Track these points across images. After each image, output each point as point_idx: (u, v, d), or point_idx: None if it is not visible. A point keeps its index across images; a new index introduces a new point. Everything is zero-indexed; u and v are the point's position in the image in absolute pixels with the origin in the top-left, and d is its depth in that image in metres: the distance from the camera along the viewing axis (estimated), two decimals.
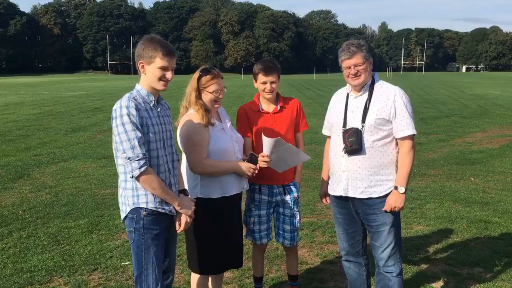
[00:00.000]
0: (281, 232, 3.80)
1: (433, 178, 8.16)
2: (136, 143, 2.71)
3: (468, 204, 6.63)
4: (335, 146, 3.39)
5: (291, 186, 3.76)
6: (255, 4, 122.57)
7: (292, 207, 3.75)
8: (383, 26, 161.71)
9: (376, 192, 3.25)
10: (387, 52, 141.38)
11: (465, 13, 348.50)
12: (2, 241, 5.28)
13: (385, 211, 3.24)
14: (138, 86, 2.94)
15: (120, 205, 2.96)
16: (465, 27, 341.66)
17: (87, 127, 14.77)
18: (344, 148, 3.26)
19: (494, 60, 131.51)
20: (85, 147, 11.25)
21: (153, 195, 2.84)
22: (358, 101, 3.29)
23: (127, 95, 2.86)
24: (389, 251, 3.32)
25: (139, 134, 2.73)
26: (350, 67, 3.21)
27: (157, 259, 2.90)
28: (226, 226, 3.42)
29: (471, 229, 5.58)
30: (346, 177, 3.31)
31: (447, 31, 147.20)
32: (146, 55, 2.85)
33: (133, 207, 2.85)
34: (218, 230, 3.38)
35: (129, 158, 2.71)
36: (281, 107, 3.68)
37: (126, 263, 4.67)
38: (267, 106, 3.71)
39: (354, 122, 3.26)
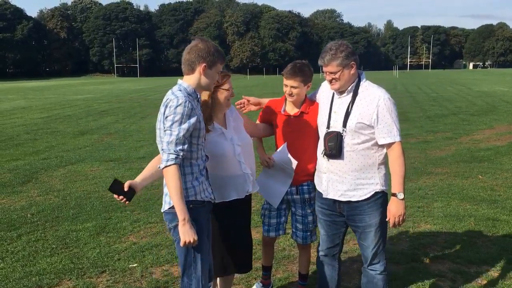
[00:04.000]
0: (294, 230, 3.90)
1: (441, 177, 8.12)
2: (174, 139, 2.77)
3: (476, 202, 6.60)
4: (319, 145, 3.41)
5: (304, 187, 3.76)
6: (260, 4, 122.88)
7: (304, 207, 3.79)
8: (389, 24, 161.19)
9: (356, 196, 3.24)
10: (393, 50, 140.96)
11: (471, 10, 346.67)
12: (11, 244, 5.33)
13: (376, 221, 3.28)
14: (184, 84, 2.98)
15: (164, 196, 2.99)
16: (472, 24, 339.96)
17: (95, 130, 14.83)
18: (323, 151, 3.28)
19: (501, 57, 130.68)
20: (93, 150, 11.31)
21: (197, 186, 2.94)
22: (341, 101, 3.27)
23: (179, 92, 2.88)
24: (376, 250, 3.35)
25: (181, 133, 2.78)
26: (326, 73, 3.23)
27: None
28: (230, 230, 3.44)
29: (479, 227, 5.56)
30: (327, 178, 3.33)
31: (453, 28, 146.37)
32: (211, 59, 2.95)
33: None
34: (222, 233, 3.39)
35: (162, 150, 2.82)
36: (301, 112, 3.65)
37: (134, 265, 4.70)
38: (291, 108, 3.70)
39: (336, 124, 3.25)
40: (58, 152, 11.10)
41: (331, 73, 3.18)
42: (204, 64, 2.93)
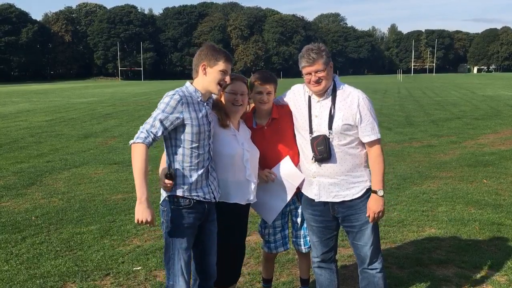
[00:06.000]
0: (294, 239, 3.85)
1: (445, 181, 8.10)
2: (151, 121, 2.93)
3: (481, 206, 6.57)
4: (304, 150, 3.39)
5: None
6: (264, 8, 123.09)
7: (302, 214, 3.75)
8: (393, 28, 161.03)
9: (349, 195, 3.29)
10: (397, 54, 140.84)
11: (475, 14, 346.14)
12: (15, 247, 5.34)
13: (367, 217, 3.30)
14: (187, 83, 3.14)
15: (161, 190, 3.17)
16: (476, 28, 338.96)
17: (99, 133, 14.87)
18: (313, 156, 3.26)
19: (505, 61, 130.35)
20: (97, 153, 11.34)
21: (187, 184, 3.05)
22: (321, 105, 3.28)
23: (177, 89, 3.08)
24: (373, 248, 3.36)
25: (158, 117, 2.92)
26: (310, 74, 3.19)
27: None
28: (232, 229, 3.43)
29: (483, 232, 5.53)
30: (317, 182, 3.33)
31: (457, 32, 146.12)
32: (209, 58, 3.06)
33: None
34: (223, 232, 3.36)
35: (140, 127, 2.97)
36: (273, 119, 3.58)
37: (138, 268, 4.70)
38: (262, 120, 3.62)
39: (320, 127, 3.25)
40: (62, 155, 11.14)
41: (318, 71, 3.18)
42: (203, 63, 3.06)
